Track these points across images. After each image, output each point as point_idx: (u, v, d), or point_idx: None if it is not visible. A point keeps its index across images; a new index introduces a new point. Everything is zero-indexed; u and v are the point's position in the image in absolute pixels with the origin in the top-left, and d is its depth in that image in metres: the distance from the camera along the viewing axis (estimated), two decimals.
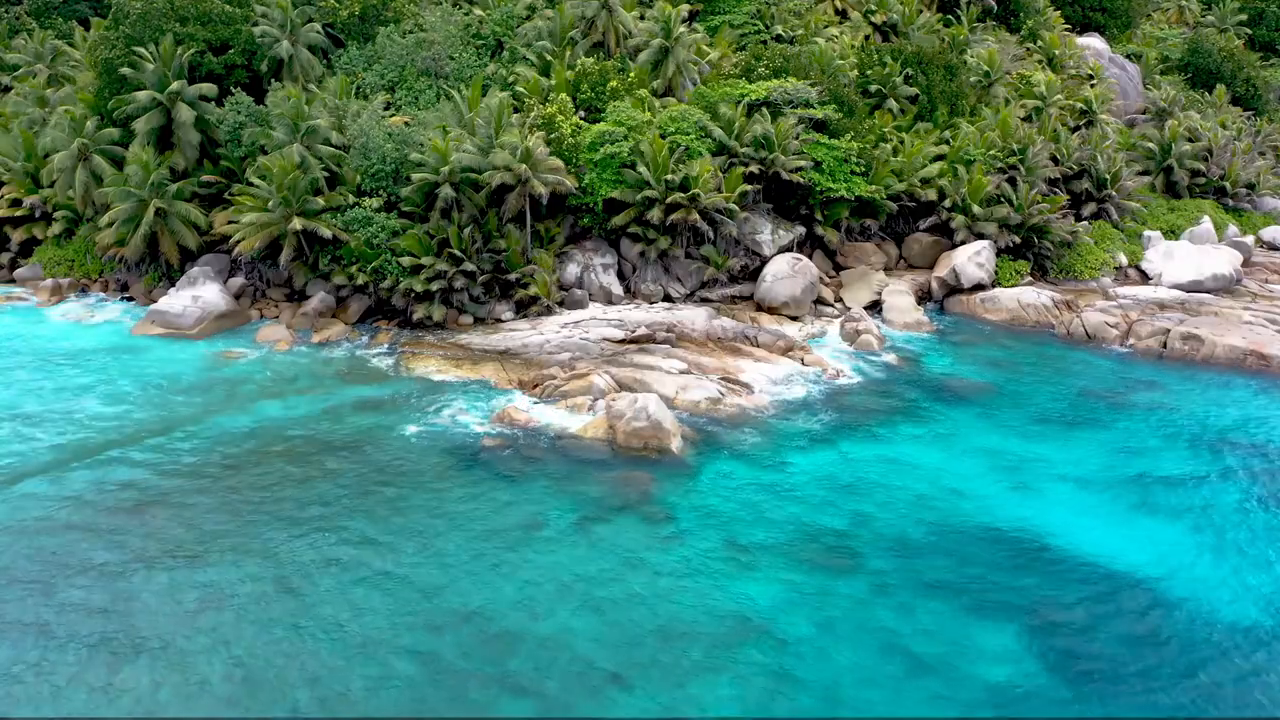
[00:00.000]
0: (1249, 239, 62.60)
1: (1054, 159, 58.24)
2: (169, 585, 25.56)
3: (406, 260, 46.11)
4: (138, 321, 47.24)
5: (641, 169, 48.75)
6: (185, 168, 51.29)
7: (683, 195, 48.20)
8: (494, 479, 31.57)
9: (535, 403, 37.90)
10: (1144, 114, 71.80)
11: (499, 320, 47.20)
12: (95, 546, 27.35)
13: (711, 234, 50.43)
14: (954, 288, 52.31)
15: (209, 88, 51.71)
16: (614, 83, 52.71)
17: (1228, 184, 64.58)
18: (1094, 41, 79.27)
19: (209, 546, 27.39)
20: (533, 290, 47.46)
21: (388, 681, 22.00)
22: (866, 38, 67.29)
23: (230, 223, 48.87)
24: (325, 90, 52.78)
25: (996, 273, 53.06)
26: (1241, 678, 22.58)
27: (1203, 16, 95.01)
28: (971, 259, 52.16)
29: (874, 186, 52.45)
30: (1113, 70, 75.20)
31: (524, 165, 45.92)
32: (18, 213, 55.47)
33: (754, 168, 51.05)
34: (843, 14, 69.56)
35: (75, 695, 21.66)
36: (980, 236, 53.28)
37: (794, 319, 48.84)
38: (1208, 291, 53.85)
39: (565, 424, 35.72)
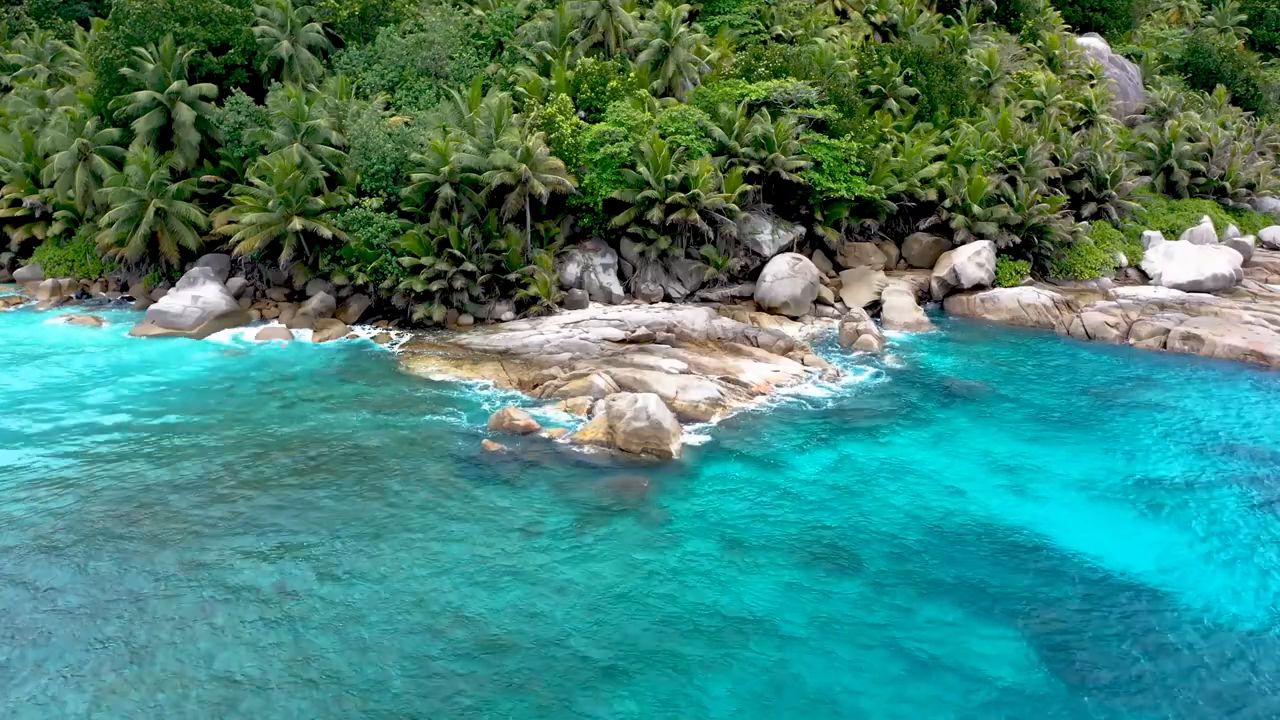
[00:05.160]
0: (1249, 239, 62.63)
1: (1054, 159, 58.24)
2: (165, 589, 25.55)
3: (406, 260, 46.13)
4: (138, 322, 47.27)
5: (641, 169, 48.75)
6: (185, 168, 51.33)
7: (683, 195, 48.20)
8: (493, 480, 31.55)
9: (535, 403, 37.89)
10: (1144, 114, 71.82)
11: (499, 320, 47.21)
12: (90, 549, 27.32)
13: (711, 234, 50.44)
14: (954, 288, 52.32)
15: (209, 88, 51.75)
16: (614, 83, 52.71)
17: (1228, 184, 64.61)
18: (1094, 41, 79.28)
19: (206, 549, 27.37)
20: (533, 290, 47.47)
21: (385, 683, 21.99)
22: (866, 38, 67.29)
23: (230, 223, 48.91)
24: (325, 90, 52.81)
25: (996, 273, 53.07)
26: (1242, 681, 22.56)
27: (1203, 16, 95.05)
28: (971, 259, 52.16)
29: (874, 186, 52.48)
30: (1113, 70, 75.19)
31: (524, 165, 45.93)
32: (18, 213, 55.57)
33: (754, 168, 51.06)
34: (843, 14, 69.56)
35: (74, 698, 21.65)
36: (980, 236, 53.30)
37: (794, 319, 48.86)
38: (1208, 291, 53.86)
39: (565, 424, 35.72)
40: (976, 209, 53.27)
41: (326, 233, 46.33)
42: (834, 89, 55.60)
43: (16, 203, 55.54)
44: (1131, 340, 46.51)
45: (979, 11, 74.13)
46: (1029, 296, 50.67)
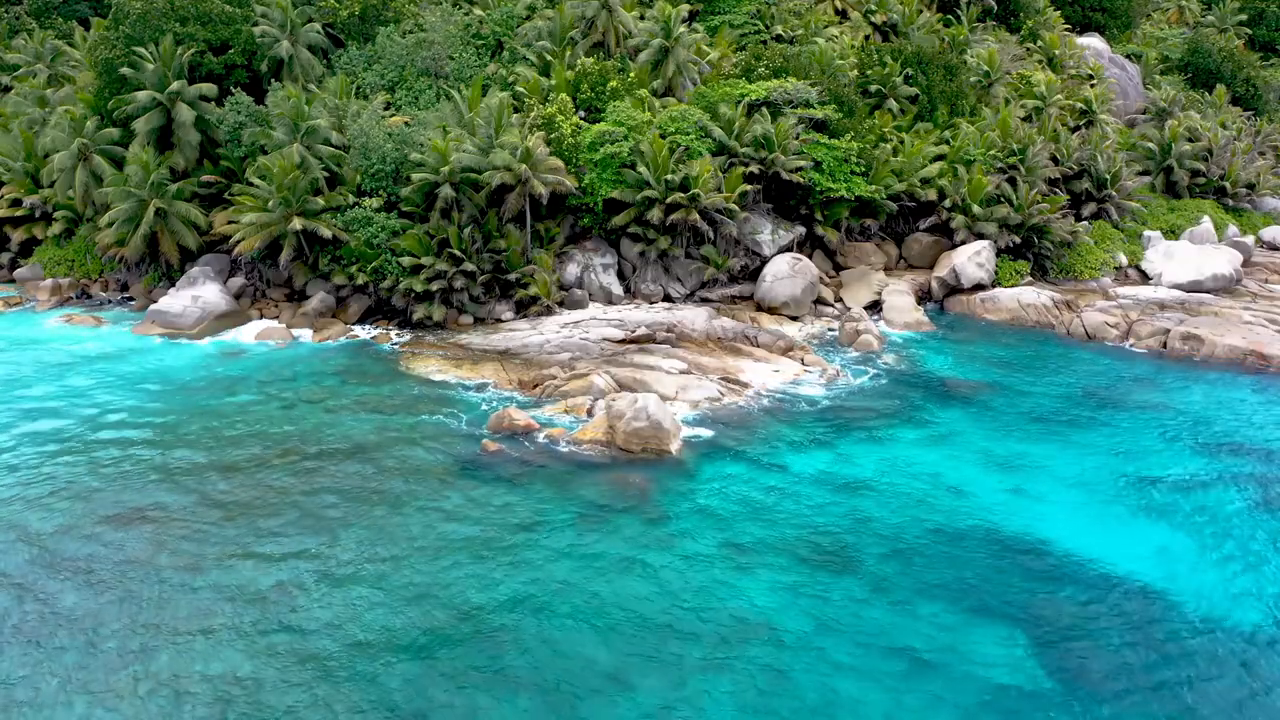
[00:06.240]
0: (1249, 239, 62.63)
1: (1054, 159, 58.25)
2: (165, 590, 25.55)
3: (406, 260, 46.13)
4: (138, 322, 47.27)
5: (641, 169, 48.76)
6: (185, 168, 51.33)
7: (683, 195, 48.21)
8: (493, 480, 31.56)
9: (535, 403, 37.89)
10: (1144, 114, 71.82)
11: (499, 320, 47.21)
12: (89, 550, 27.34)
13: (711, 234, 50.44)
14: (954, 287, 52.32)
15: (209, 88, 51.76)
16: (614, 83, 52.72)
17: (1228, 184, 64.61)
18: (1094, 41, 79.29)
19: (206, 550, 27.38)
20: (533, 290, 47.47)
21: (385, 682, 21.99)
22: (866, 38, 67.30)
23: (230, 223, 48.92)
24: (325, 90, 52.82)
25: (996, 272, 53.07)
26: (1241, 682, 22.55)
27: (1203, 16, 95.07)
28: (971, 259, 52.17)
29: (874, 186, 52.48)
30: (1113, 70, 75.20)
31: (524, 165, 45.93)
32: (18, 213, 55.56)
33: (754, 168, 51.06)
34: (843, 14, 69.58)
35: (73, 699, 21.65)
36: (980, 236, 53.30)
37: (794, 319, 48.86)
38: (1208, 291, 53.85)
39: (565, 424, 35.72)
40: (976, 209, 53.28)
41: (326, 233, 46.33)
42: (834, 89, 55.61)
43: (16, 203, 55.54)
44: (1131, 340, 46.51)
45: (979, 11, 74.14)
46: (1029, 296, 50.67)
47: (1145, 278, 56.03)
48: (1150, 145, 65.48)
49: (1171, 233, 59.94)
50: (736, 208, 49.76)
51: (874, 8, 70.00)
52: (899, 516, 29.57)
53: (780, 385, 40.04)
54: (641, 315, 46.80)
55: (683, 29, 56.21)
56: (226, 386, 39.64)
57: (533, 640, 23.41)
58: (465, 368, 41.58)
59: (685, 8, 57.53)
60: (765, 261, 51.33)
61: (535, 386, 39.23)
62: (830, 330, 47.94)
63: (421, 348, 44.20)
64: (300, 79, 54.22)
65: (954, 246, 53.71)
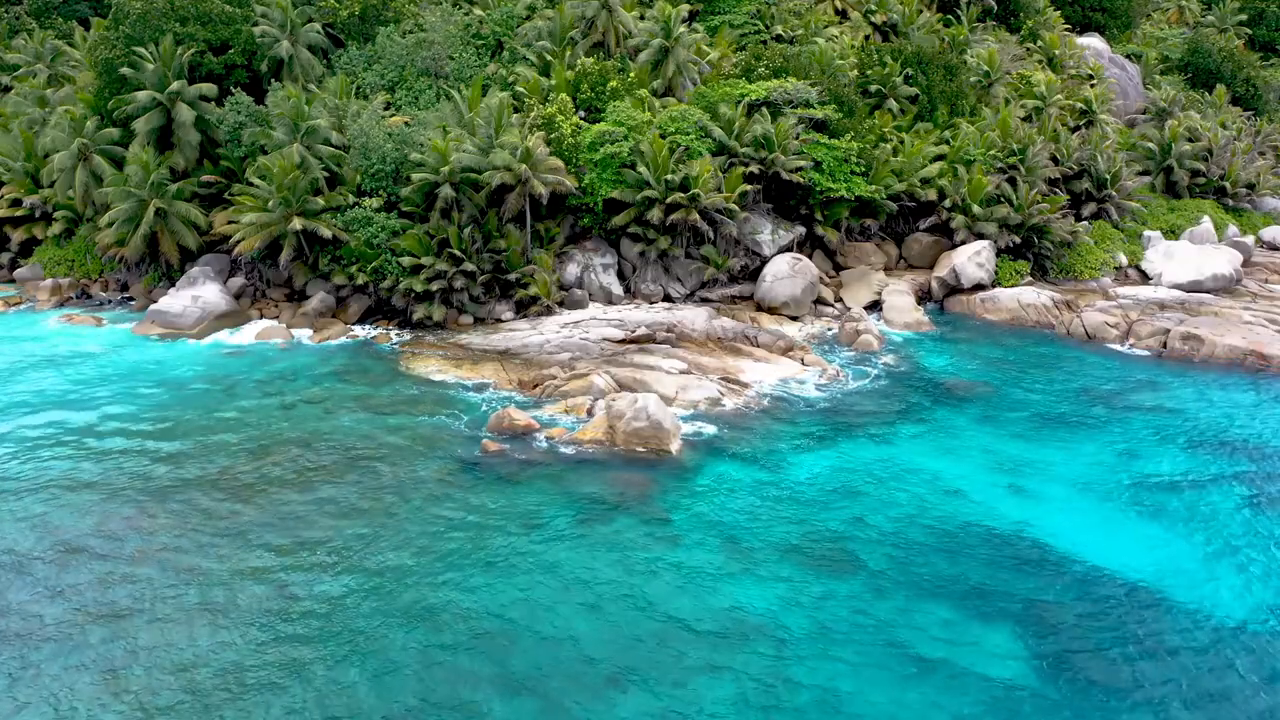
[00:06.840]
0: (1249, 239, 62.62)
1: (1054, 159, 58.23)
2: (166, 589, 25.56)
3: (406, 260, 46.13)
4: (138, 322, 47.27)
5: (641, 169, 48.75)
6: (185, 168, 51.32)
7: (683, 195, 48.20)
8: (493, 480, 31.56)
9: (535, 403, 37.89)
10: (1144, 114, 71.80)
11: (499, 320, 47.21)
12: (89, 549, 27.35)
13: (711, 234, 50.43)
14: (954, 288, 52.31)
15: (209, 88, 51.75)
16: (614, 83, 52.71)
17: (1228, 184, 64.60)
18: (1094, 41, 79.27)
19: (205, 549, 27.39)
20: (533, 290, 47.47)
21: (385, 680, 21.99)
22: (866, 38, 67.29)
23: (230, 223, 48.92)
24: (325, 90, 52.80)
25: (996, 273, 53.07)
26: (1240, 682, 22.56)
27: (1203, 16, 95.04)
28: (971, 259, 52.16)
29: (874, 186, 52.47)
30: (1113, 70, 75.18)
31: (524, 165, 45.93)
32: (18, 213, 55.55)
33: (754, 168, 51.05)
34: (843, 14, 69.56)
35: (74, 698, 21.65)
36: (980, 236, 53.29)
37: (794, 319, 48.86)
38: (1208, 291, 53.84)
39: (565, 424, 35.72)
40: (976, 209, 53.27)
41: (326, 233, 46.33)
42: (834, 89, 55.59)
43: (16, 203, 55.54)
44: (1131, 340, 46.51)
45: (979, 11, 74.12)
46: (1029, 296, 50.66)
47: (1145, 278, 56.03)
48: (1150, 145, 65.47)
49: (1171, 233, 59.94)
50: (736, 208, 49.76)
51: (874, 8, 69.99)
52: (898, 516, 29.58)
53: (780, 385, 40.04)
54: (641, 315, 46.80)
55: (683, 29, 56.19)
56: (226, 387, 39.65)
57: (531, 640, 23.42)
58: (465, 368, 41.58)
59: (685, 8, 57.51)
60: (765, 261, 51.33)
61: (535, 386, 39.23)
62: (830, 330, 47.94)
63: (421, 348, 44.21)
64: (300, 79, 54.21)
65: (954, 246, 53.70)
